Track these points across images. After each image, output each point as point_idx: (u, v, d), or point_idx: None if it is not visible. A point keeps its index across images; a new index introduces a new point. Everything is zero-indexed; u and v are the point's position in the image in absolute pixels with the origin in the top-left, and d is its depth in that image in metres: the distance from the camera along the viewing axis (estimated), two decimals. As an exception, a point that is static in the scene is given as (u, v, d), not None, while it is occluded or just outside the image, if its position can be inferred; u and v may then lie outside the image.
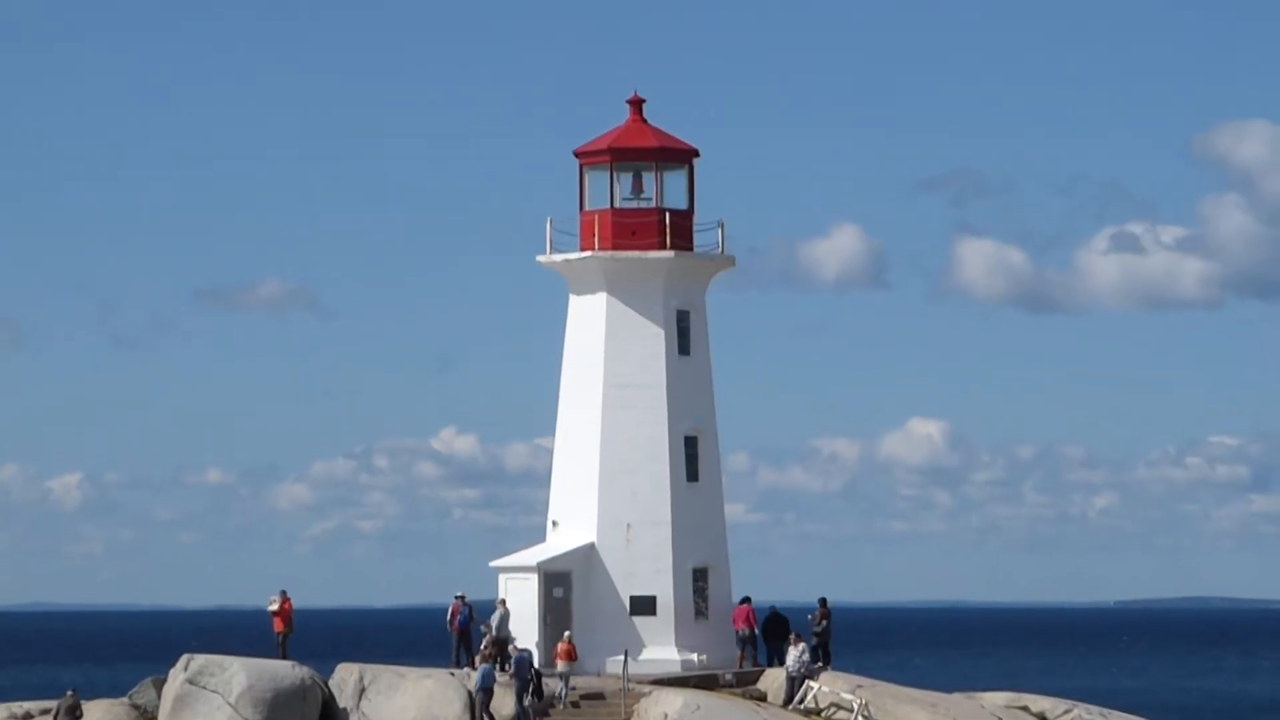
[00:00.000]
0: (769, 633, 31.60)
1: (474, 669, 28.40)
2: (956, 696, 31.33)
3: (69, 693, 31.44)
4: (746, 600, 31.94)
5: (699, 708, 27.28)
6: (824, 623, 30.69)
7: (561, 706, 28.23)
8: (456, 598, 31.73)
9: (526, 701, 26.74)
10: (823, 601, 31.88)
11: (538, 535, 33.29)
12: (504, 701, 27.68)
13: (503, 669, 28.41)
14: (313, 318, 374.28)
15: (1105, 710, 32.15)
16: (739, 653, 31.52)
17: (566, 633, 29.69)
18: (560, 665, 28.95)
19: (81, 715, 30.65)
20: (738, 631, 31.57)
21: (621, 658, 29.28)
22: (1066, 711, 30.36)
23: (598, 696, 28.71)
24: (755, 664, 30.72)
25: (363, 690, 29.87)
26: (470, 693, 27.61)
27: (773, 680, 29.37)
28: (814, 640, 30.35)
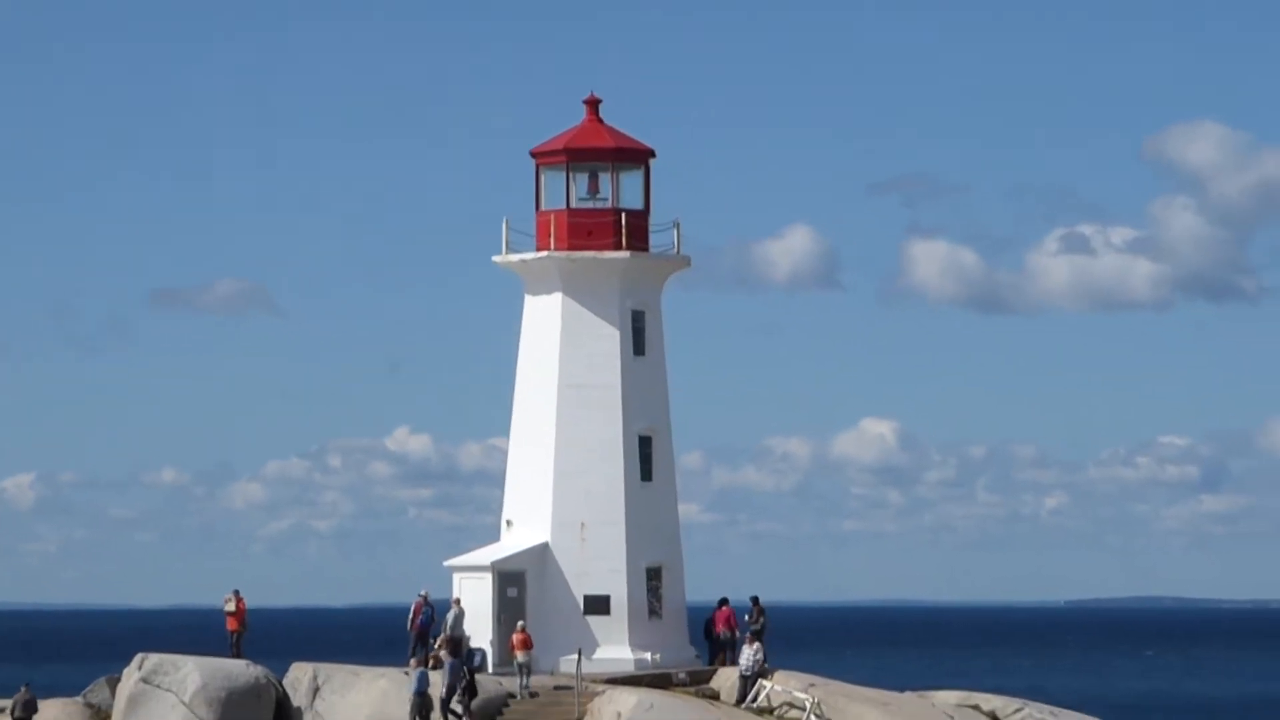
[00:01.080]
0: (709, 632, 32.32)
1: (427, 669, 28.35)
2: (908, 695, 31.56)
3: (23, 687, 31.63)
4: (725, 602, 32.09)
5: (652, 706, 27.31)
6: (761, 619, 30.89)
7: (521, 697, 28.58)
8: (419, 596, 31.65)
9: (454, 704, 27.01)
10: (755, 600, 31.94)
11: (492, 535, 33.39)
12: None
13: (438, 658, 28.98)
14: (268, 318, 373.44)
15: (1055, 709, 32.60)
16: (721, 655, 31.86)
17: (520, 622, 29.78)
18: (519, 656, 29.10)
19: (37, 710, 30.85)
20: (718, 634, 31.86)
21: (575, 657, 29.42)
22: (1017, 710, 30.50)
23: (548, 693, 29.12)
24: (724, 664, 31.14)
25: (317, 689, 29.78)
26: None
27: (725, 679, 29.53)
28: (751, 643, 30.64)
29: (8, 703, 32.05)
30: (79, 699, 31.90)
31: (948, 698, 31.61)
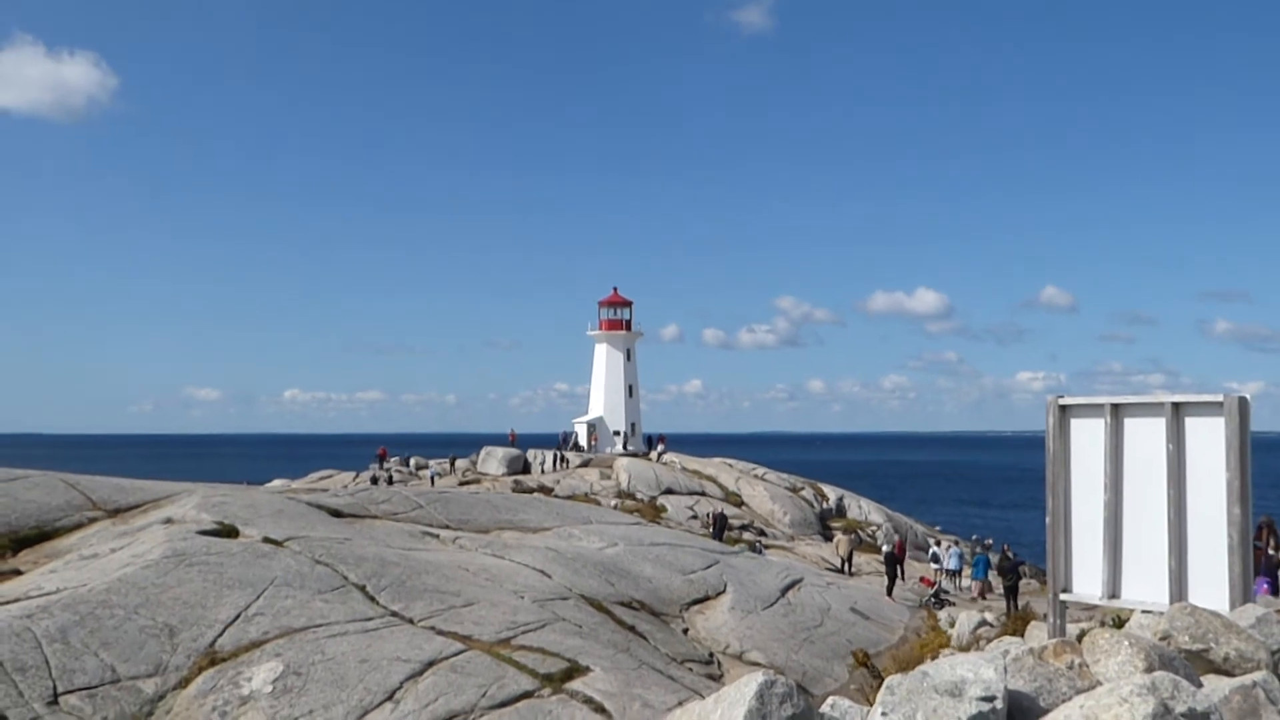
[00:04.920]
0: (650, 441, 67.76)
1: (563, 450, 64.59)
2: (716, 460, 63.38)
3: (452, 456, 65.90)
4: (657, 436, 67.87)
5: (631, 463, 59.62)
6: (663, 440, 66.27)
7: (595, 457, 63.23)
8: (562, 432, 69.33)
9: (562, 462, 61.41)
10: (661, 436, 66.96)
11: (584, 411, 70.21)
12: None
13: (569, 448, 65.01)
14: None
15: (765, 469, 68.58)
16: (651, 448, 65.27)
17: (595, 434, 66.35)
18: (594, 444, 66.74)
19: (454, 466, 62.90)
20: (661, 445, 65.46)
21: (609, 448, 66.59)
22: (732, 464, 68.04)
23: (600, 461, 63.37)
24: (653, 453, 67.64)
25: (533, 456, 65.08)
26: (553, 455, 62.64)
27: (652, 455, 64.18)
28: (659, 444, 65.29)
29: (435, 462, 64.69)
30: (468, 459, 64.89)
31: (714, 460, 68.40)
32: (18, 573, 15.00)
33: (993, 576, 34.23)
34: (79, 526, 17.71)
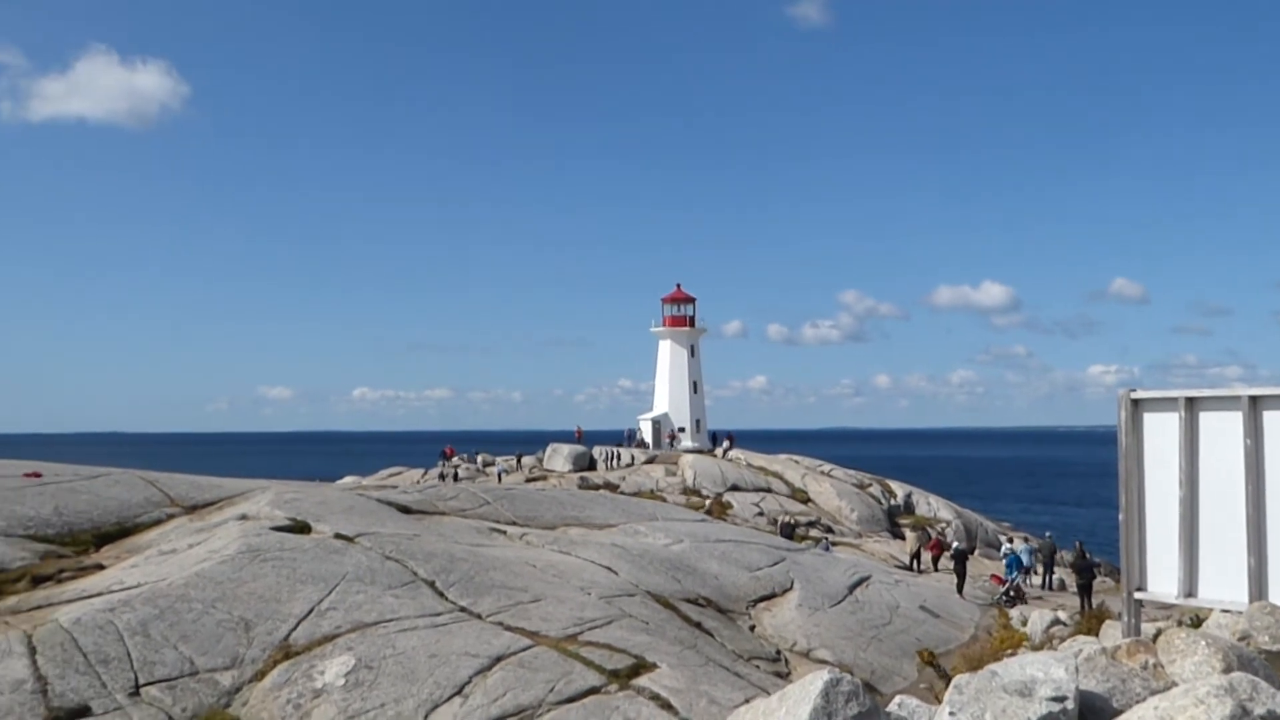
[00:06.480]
0: (715, 438, 68.22)
1: (627, 446, 66.28)
2: (782, 456, 63.59)
3: (518, 453, 67.95)
4: (729, 434, 67.70)
5: (697, 459, 60.49)
6: (730, 438, 66.50)
7: (665, 452, 64.43)
8: (627, 429, 70.43)
9: (617, 459, 62.55)
10: (729, 434, 67.69)
11: (648, 408, 71.22)
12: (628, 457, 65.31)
13: (634, 444, 66.09)
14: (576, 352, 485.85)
15: (823, 461, 68.45)
16: (717, 445, 65.74)
17: (665, 429, 68.51)
18: (665, 441, 67.12)
19: (520, 463, 64.17)
20: (729, 442, 65.87)
21: (677, 445, 67.61)
22: (792, 460, 68.02)
23: (666, 458, 64.54)
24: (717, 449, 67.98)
25: (596, 451, 66.72)
26: (616, 451, 65.94)
27: (719, 451, 65.67)
28: (726, 442, 65.49)
29: (502, 459, 65.66)
30: (535, 455, 65.65)
31: (780, 457, 68.29)
32: (100, 567, 15.44)
33: (1065, 574, 33.64)
34: (158, 523, 18.18)
